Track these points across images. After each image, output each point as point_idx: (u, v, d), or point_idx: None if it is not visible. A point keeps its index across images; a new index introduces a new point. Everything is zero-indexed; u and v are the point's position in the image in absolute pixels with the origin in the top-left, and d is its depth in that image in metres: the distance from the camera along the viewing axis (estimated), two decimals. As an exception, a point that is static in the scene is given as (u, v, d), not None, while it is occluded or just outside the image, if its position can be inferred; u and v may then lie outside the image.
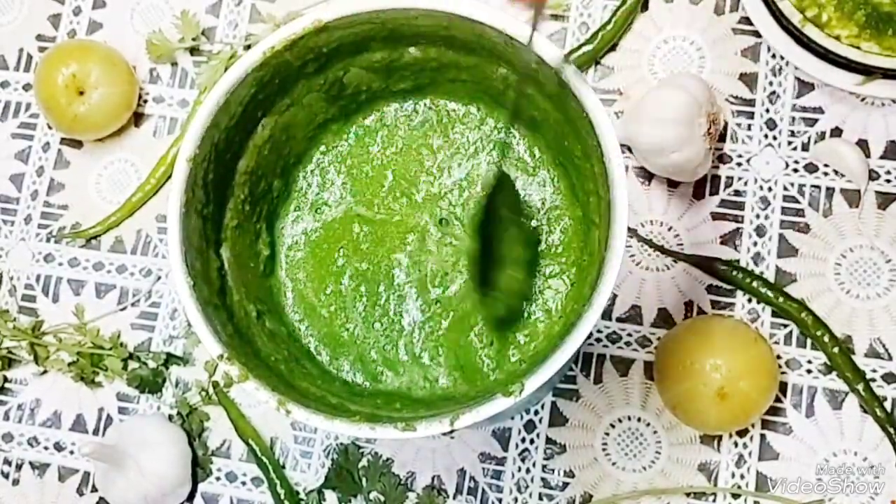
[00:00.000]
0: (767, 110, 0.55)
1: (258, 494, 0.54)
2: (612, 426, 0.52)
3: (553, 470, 0.52)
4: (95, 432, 0.56)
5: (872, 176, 0.53)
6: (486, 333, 0.44)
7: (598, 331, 0.53)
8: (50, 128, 0.61)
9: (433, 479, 0.52)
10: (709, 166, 0.53)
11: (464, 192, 0.45)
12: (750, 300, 0.52)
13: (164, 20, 0.61)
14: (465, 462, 0.52)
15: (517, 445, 0.52)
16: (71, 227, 0.59)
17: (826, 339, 0.50)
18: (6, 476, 0.56)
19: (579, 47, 0.57)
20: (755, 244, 0.53)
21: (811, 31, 0.51)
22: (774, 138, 0.55)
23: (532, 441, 0.52)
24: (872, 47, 0.50)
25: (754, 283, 0.52)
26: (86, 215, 0.59)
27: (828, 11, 0.51)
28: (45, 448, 0.56)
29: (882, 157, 0.54)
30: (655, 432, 0.51)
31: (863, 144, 0.54)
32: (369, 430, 0.35)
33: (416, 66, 0.44)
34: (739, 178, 0.54)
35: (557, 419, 0.52)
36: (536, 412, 0.53)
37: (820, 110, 0.55)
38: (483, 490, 0.52)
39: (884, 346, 0.51)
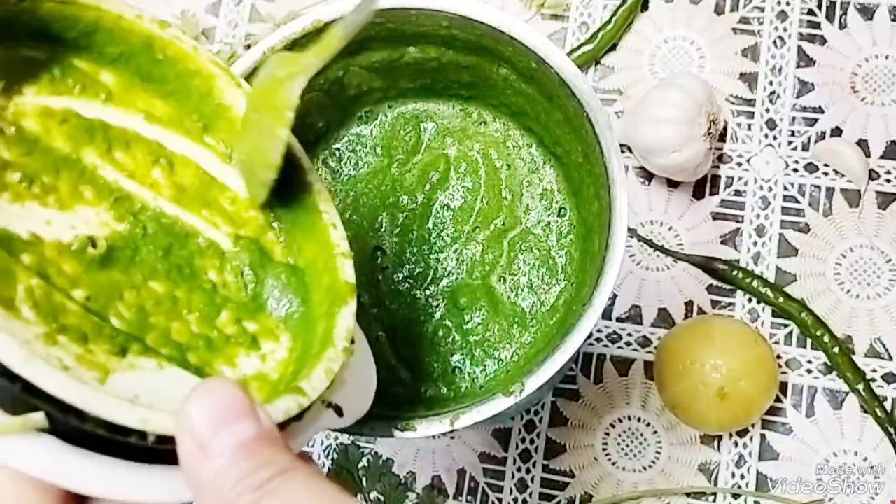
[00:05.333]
0: (767, 110, 0.55)
1: (258, 494, 0.53)
2: (612, 426, 0.52)
3: (553, 470, 0.52)
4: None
5: (872, 176, 0.53)
6: (482, 331, 0.44)
7: (598, 331, 0.53)
8: (50, 128, 0.61)
9: (433, 479, 0.52)
10: (709, 166, 0.53)
11: (465, 194, 0.45)
12: (750, 300, 0.52)
13: (164, 20, 0.61)
14: (465, 462, 0.52)
15: (517, 445, 0.52)
16: (71, 227, 0.59)
17: (826, 339, 0.50)
18: (6, 476, 0.56)
19: (579, 47, 0.57)
20: (755, 244, 0.53)
21: None
22: (774, 138, 0.55)
23: (532, 441, 0.52)
24: None
25: (754, 283, 0.52)
26: (86, 215, 0.59)
27: None
28: (45, 448, 0.56)
29: (882, 157, 0.54)
30: (656, 432, 0.52)
31: (863, 144, 0.54)
32: (369, 430, 0.35)
33: (417, 66, 0.44)
34: (739, 178, 0.54)
35: (557, 419, 0.52)
36: (536, 412, 0.53)
37: (820, 110, 0.55)
38: (483, 490, 0.52)
39: (884, 346, 0.51)
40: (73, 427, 0.20)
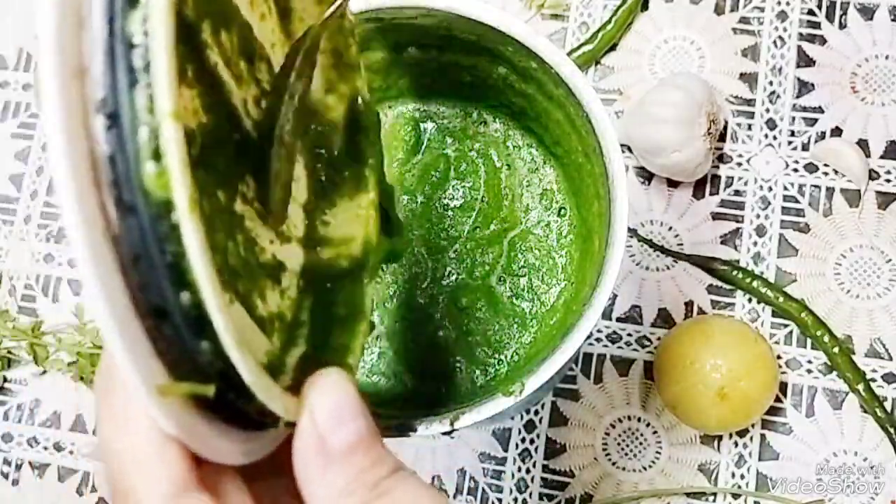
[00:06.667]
0: (767, 110, 0.55)
1: (258, 494, 0.53)
2: (612, 426, 0.52)
3: (553, 470, 0.52)
4: (95, 432, 0.56)
5: (872, 176, 0.53)
6: (484, 327, 0.44)
7: (598, 331, 0.53)
8: (50, 128, 0.61)
9: (433, 479, 0.52)
10: (709, 166, 0.53)
11: (465, 194, 0.45)
12: (750, 300, 0.52)
13: None
14: (465, 462, 0.52)
15: (517, 445, 0.52)
16: (71, 227, 0.59)
17: (826, 339, 0.50)
18: (6, 476, 0.56)
19: (579, 47, 0.57)
20: (755, 244, 0.53)
21: None
22: (774, 138, 0.55)
23: (532, 441, 0.52)
24: None
25: (754, 283, 0.52)
26: (85, 215, 0.59)
27: None
28: (45, 448, 0.56)
29: (882, 157, 0.54)
30: (655, 432, 0.52)
31: (863, 144, 0.54)
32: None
33: (417, 66, 0.44)
34: (739, 178, 0.54)
35: (557, 419, 0.52)
36: (536, 412, 0.53)
37: (820, 110, 0.55)
38: (483, 490, 0.52)
39: (884, 346, 0.51)
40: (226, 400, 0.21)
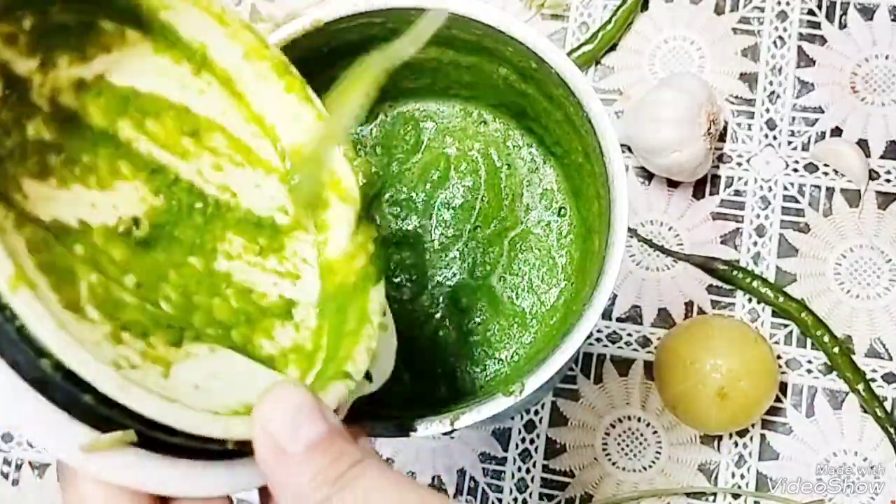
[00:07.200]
0: (767, 110, 0.55)
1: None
2: (612, 426, 0.52)
3: (553, 470, 0.52)
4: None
5: (872, 176, 0.53)
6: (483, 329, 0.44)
7: (598, 331, 0.53)
8: (50, 128, 0.61)
9: (433, 479, 0.52)
10: (709, 166, 0.53)
11: (465, 194, 0.45)
12: (750, 300, 0.52)
13: None
14: (465, 462, 0.52)
15: (517, 445, 0.52)
16: (71, 227, 0.59)
17: (826, 339, 0.50)
18: (6, 476, 0.56)
19: (579, 47, 0.57)
20: (755, 244, 0.53)
21: None
22: (774, 138, 0.55)
23: (532, 441, 0.52)
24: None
25: (754, 283, 0.52)
26: (86, 215, 0.59)
27: None
28: (45, 448, 0.56)
29: (882, 157, 0.54)
30: (655, 432, 0.52)
31: (863, 144, 0.54)
32: (370, 430, 0.35)
33: (417, 66, 0.44)
34: (739, 178, 0.54)
35: (557, 419, 0.52)
36: (536, 412, 0.53)
37: (820, 110, 0.55)
38: (483, 490, 0.52)
39: (884, 346, 0.51)
40: (156, 438, 0.21)
